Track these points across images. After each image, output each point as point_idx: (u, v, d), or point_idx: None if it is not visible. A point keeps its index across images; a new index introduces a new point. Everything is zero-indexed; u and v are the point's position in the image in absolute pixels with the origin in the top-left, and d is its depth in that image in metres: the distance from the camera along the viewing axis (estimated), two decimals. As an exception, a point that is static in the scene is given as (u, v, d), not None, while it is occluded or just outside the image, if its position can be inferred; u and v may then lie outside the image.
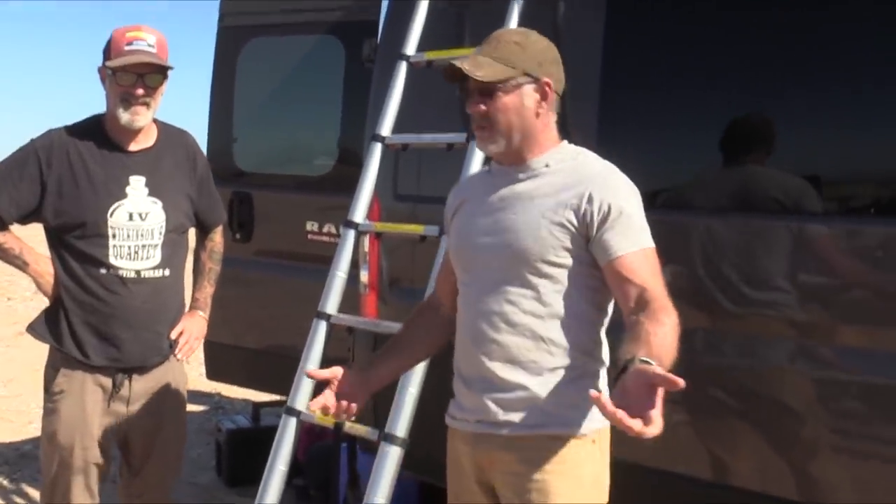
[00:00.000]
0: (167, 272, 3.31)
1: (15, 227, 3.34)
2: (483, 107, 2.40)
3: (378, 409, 3.81)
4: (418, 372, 3.14)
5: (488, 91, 2.39)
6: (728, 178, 3.18)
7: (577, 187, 2.39)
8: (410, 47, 3.79)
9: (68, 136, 3.28)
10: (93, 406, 3.27)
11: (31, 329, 3.36)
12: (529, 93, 2.42)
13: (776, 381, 3.00)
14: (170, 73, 3.24)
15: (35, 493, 5.43)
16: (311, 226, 4.78)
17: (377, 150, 3.70)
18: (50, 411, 3.30)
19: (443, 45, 3.77)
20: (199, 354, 4.99)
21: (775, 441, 2.99)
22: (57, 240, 3.27)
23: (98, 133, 3.29)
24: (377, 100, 3.88)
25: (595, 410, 2.40)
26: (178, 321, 3.42)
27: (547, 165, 2.46)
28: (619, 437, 2.22)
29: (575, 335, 2.42)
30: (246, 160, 5.19)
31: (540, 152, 2.47)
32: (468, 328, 2.50)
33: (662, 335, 2.16)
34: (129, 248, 3.23)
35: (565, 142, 2.53)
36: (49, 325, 3.30)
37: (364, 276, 4.00)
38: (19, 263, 3.32)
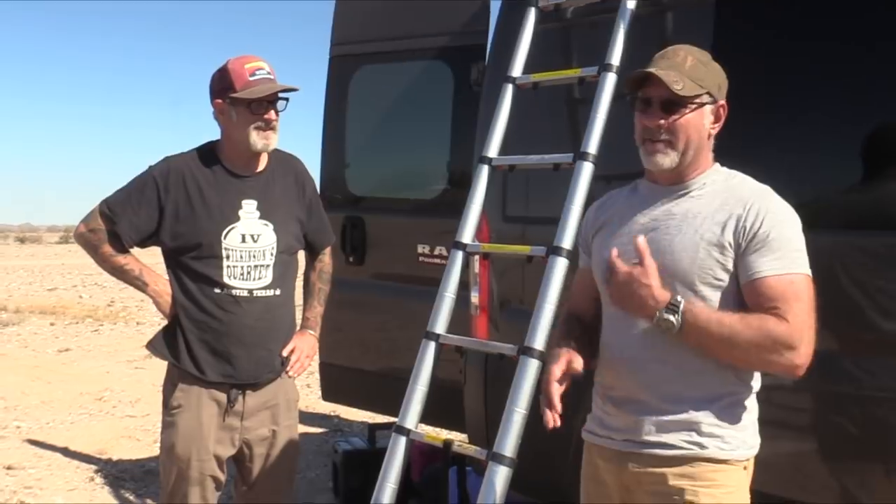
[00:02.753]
0: (278, 291, 3.42)
1: (135, 251, 3.50)
2: (664, 121, 2.39)
3: (490, 431, 3.83)
4: (527, 392, 3.12)
5: (673, 105, 2.38)
6: (863, 194, 3.07)
7: (734, 207, 2.36)
8: (517, 70, 3.79)
9: (184, 162, 3.44)
10: (208, 420, 3.39)
11: (151, 346, 3.51)
12: (708, 113, 2.43)
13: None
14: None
15: (159, 510, 5.59)
16: (423, 248, 4.82)
17: (485, 172, 3.70)
18: (168, 425, 3.42)
19: (549, 67, 3.78)
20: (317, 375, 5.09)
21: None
22: (174, 261, 3.42)
23: (212, 159, 3.45)
24: (485, 122, 3.89)
25: (748, 437, 2.40)
26: (289, 339, 3.52)
27: (703, 185, 2.43)
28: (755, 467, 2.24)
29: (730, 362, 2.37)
30: (358, 185, 5.28)
31: (698, 173, 2.45)
32: (619, 350, 2.47)
33: (747, 331, 2.24)
34: (242, 268, 3.36)
35: (718, 164, 2.50)
36: (167, 342, 3.45)
37: (475, 297, 4.02)
38: (139, 284, 3.47)
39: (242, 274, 3.37)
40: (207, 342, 3.38)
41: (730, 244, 2.33)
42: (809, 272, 2.34)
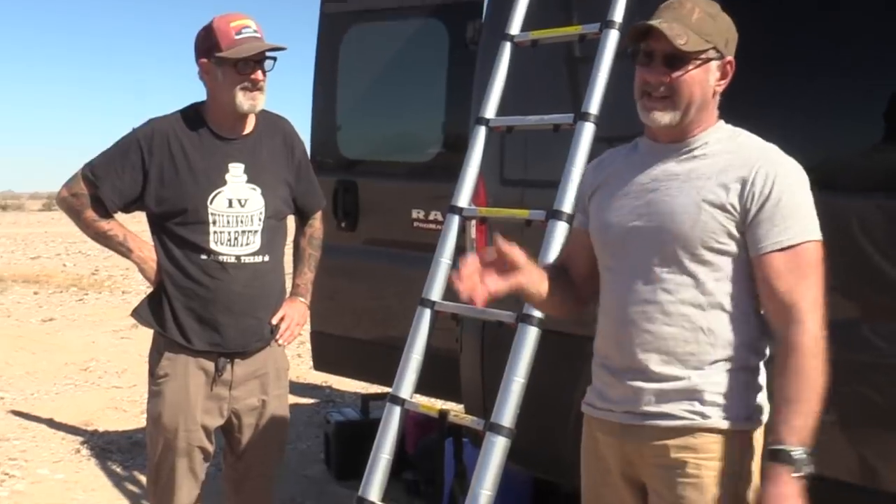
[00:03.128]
0: (266, 258, 3.33)
1: (120, 217, 3.41)
2: (665, 76, 2.26)
3: (487, 401, 3.73)
4: (526, 361, 3.03)
5: (677, 61, 2.25)
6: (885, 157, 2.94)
7: (740, 169, 2.24)
8: (515, 27, 3.67)
9: (169, 125, 3.32)
10: (196, 389, 3.30)
11: (136, 314, 3.42)
12: (713, 69, 2.29)
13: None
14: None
15: (146, 480, 5.50)
16: (417, 213, 4.70)
17: (482, 134, 3.59)
18: (154, 394, 3.34)
19: (547, 24, 3.65)
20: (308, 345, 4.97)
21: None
22: (159, 227, 3.32)
23: (198, 121, 3.33)
24: (481, 82, 3.77)
25: (756, 406, 2.30)
26: (278, 307, 3.43)
27: (706, 144, 2.31)
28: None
29: (737, 326, 2.27)
30: (350, 148, 5.14)
31: (701, 130, 2.32)
32: (617, 316, 2.35)
33: (800, 390, 2.13)
34: (229, 233, 3.27)
35: (722, 121, 2.37)
36: (152, 310, 3.35)
37: (470, 263, 3.89)
38: (123, 250, 3.38)
39: (230, 240, 3.27)
40: (194, 310, 3.29)
41: (734, 208, 2.22)
42: (819, 236, 2.23)
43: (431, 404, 3.68)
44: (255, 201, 3.30)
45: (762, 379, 2.33)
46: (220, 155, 3.30)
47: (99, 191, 3.29)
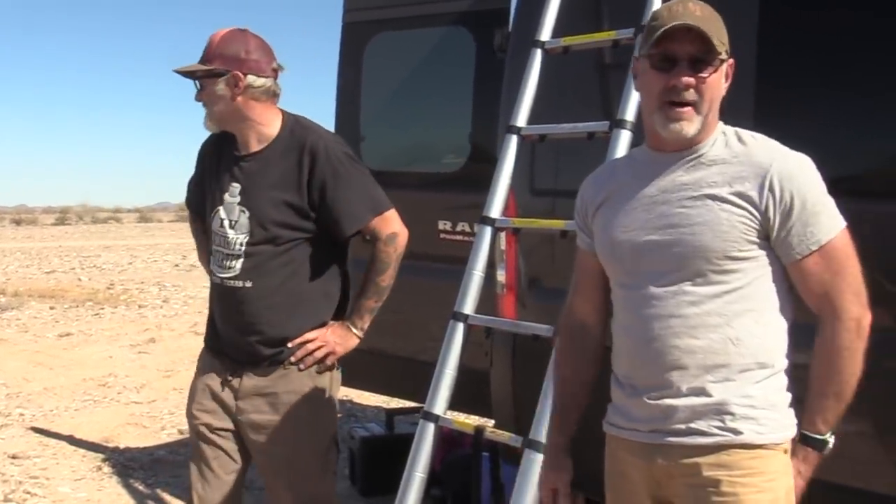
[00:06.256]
0: (248, 284, 3.20)
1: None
2: (693, 79, 2.17)
3: (520, 416, 3.65)
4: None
5: (700, 64, 2.17)
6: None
7: (753, 175, 2.17)
8: (545, 33, 3.62)
9: (214, 139, 3.38)
10: (205, 385, 3.35)
11: None
12: (724, 71, 2.23)
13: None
14: (217, 72, 3.16)
15: (169, 498, 5.44)
16: (444, 225, 4.62)
17: (513, 142, 3.53)
18: None
19: (576, 30, 3.58)
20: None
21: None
22: None
23: (231, 136, 3.30)
24: (511, 90, 3.72)
25: (788, 417, 2.25)
26: (297, 330, 3.25)
27: (711, 149, 2.23)
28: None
29: (764, 332, 2.21)
30: (375, 159, 5.02)
31: (707, 136, 2.25)
32: (638, 333, 2.27)
33: (832, 379, 2.19)
34: (220, 254, 3.26)
35: (721, 122, 2.29)
36: None
37: (501, 275, 3.83)
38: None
39: (219, 261, 3.26)
40: (213, 315, 3.38)
41: (754, 216, 2.16)
42: (843, 222, 2.21)
43: (465, 420, 3.60)
44: (241, 225, 3.20)
45: (788, 387, 2.26)
46: (228, 173, 3.26)
47: (186, 199, 3.57)
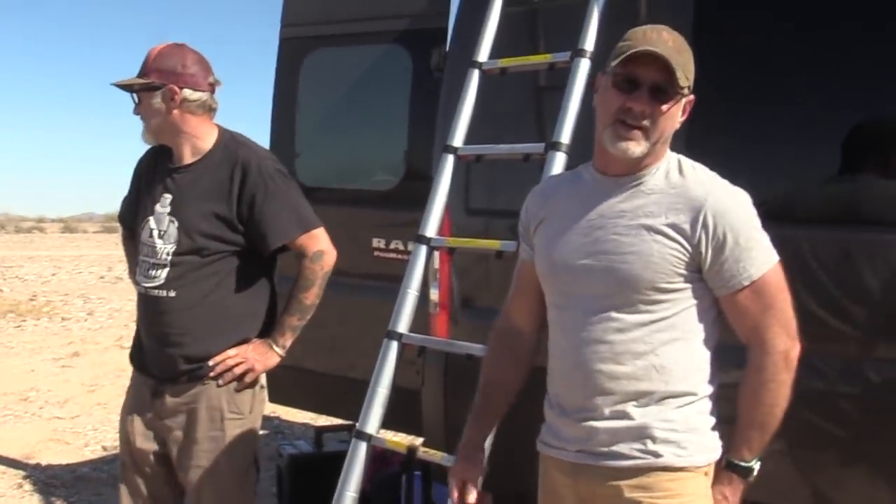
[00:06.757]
0: (172, 293, 3.21)
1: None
2: (648, 108, 2.19)
3: (450, 435, 3.64)
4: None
5: (660, 93, 2.19)
6: (838, 189, 2.97)
7: (688, 208, 2.20)
8: (483, 54, 3.63)
9: (150, 152, 3.42)
10: (132, 403, 3.36)
11: None
12: (682, 105, 2.25)
13: (885, 407, 2.80)
14: (152, 85, 3.22)
15: (93, 518, 5.33)
16: (378, 242, 4.61)
17: (449, 162, 3.54)
18: None
19: (514, 51, 3.61)
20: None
21: (886, 473, 2.79)
22: None
23: (168, 150, 3.34)
24: (447, 110, 3.73)
25: (708, 440, 2.28)
26: (217, 345, 3.23)
27: (653, 177, 2.26)
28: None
29: (689, 360, 2.25)
30: (309, 175, 5.01)
31: (650, 163, 2.27)
32: (567, 356, 2.31)
33: (757, 409, 2.23)
34: (146, 263, 3.26)
35: (669, 151, 2.32)
36: None
37: (434, 294, 3.83)
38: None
39: (144, 270, 3.26)
40: (138, 329, 3.38)
41: (686, 249, 2.19)
42: (777, 257, 2.25)
43: (397, 439, 3.59)
44: (170, 234, 3.21)
45: (713, 412, 2.30)
46: (161, 185, 3.28)
47: (119, 213, 3.57)
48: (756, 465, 2.26)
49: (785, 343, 2.22)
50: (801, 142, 3.13)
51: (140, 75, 3.22)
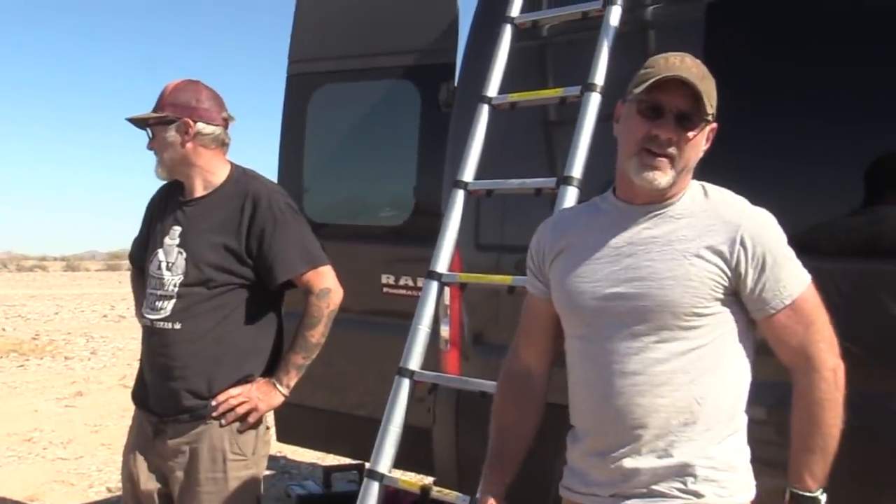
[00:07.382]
0: (178, 325, 3.19)
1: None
2: (674, 135, 2.14)
3: (463, 474, 3.59)
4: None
5: (685, 121, 2.15)
6: (857, 221, 2.94)
7: (724, 230, 2.16)
8: (492, 89, 3.62)
9: (163, 188, 3.44)
10: (135, 441, 3.33)
11: None
12: (706, 133, 2.21)
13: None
14: (168, 119, 3.23)
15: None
16: (387, 279, 4.57)
17: (460, 197, 3.52)
18: None
19: (524, 86, 3.60)
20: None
21: None
22: None
23: (179, 185, 3.36)
24: (456, 145, 3.72)
25: (748, 478, 2.22)
26: (218, 381, 3.19)
27: (682, 203, 2.21)
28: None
29: (728, 388, 2.20)
30: (318, 211, 4.99)
31: (677, 192, 2.22)
32: (597, 389, 2.21)
33: (815, 431, 2.15)
34: (153, 296, 3.25)
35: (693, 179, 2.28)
36: None
37: (445, 330, 3.80)
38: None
39: (151, 303, 3.24)
40: (141, 366, 3.35)
41: (725, 272, 2.14)
42: (809, 276, 2.21)
43: (411, 479, 3.54)
44: (178, 266, 3.21)
45: (748, 448, 2.25)
46: (171, 218, 3.30)
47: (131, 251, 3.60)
48: (823, 497, 2.16)
49: (833, 360, 2.17)
50: (814, 175, 3.10)
51: (155, 110, 3.25)
